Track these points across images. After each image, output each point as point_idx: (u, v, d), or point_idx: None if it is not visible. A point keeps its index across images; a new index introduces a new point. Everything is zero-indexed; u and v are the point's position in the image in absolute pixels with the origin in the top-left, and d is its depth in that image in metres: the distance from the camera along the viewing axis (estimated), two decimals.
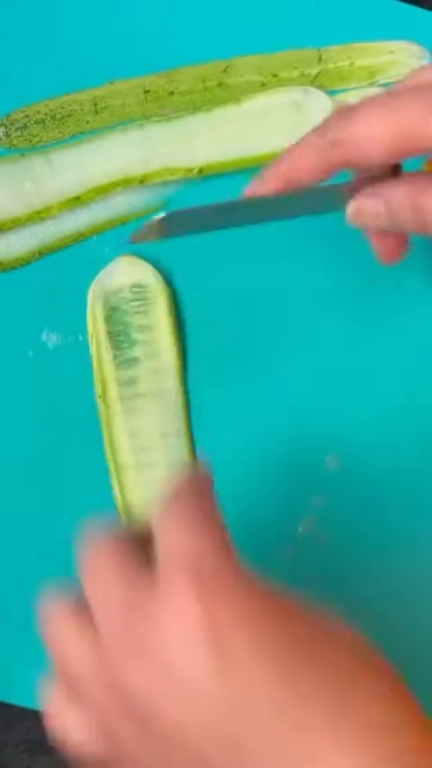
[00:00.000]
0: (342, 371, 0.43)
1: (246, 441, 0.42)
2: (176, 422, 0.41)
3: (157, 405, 0.41)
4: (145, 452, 0.41)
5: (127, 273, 0.42)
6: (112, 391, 0.41)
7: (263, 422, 0.42)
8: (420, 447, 0.42)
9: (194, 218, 0.35)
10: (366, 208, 0.35)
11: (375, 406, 0.42)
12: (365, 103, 0.33)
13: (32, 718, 0.40)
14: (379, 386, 0.43)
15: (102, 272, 0.42)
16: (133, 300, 0.42)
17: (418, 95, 0.32)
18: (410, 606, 0.41)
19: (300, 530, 0.41)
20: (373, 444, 0.42)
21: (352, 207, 0.35)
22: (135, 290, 0.42)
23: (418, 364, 0.43)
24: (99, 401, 0.41)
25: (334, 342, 0.43)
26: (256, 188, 0.35)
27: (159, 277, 0.42)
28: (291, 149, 0.35)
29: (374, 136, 0.32)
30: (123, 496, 0.41)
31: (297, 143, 0.34)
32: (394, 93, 0.33)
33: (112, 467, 0.42)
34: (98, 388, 0.42)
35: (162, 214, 0.34)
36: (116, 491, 0.42)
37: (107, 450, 0.42)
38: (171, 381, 0.42)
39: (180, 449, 0.41)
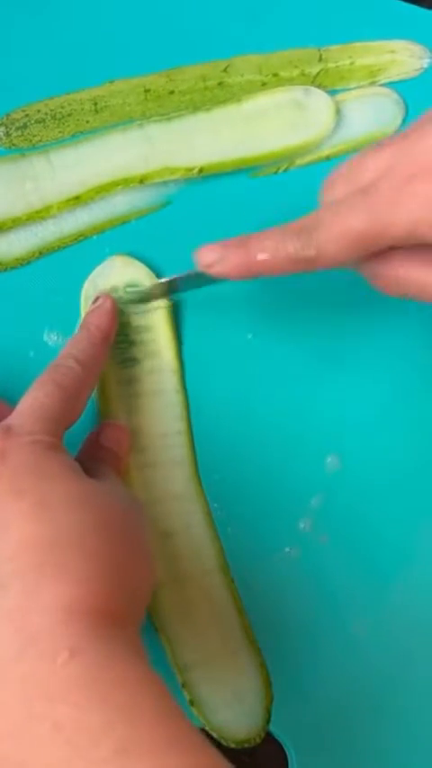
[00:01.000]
0: (342, 371, 0.43)
1: (246, 440, 0.42)
2: (176, 421, 0.41)
3: (157, 404, 0.41)
4: (145, 452, 0.41)
5: (121, 273, 0.42)
6: (112, 391, 0.41)
7: (263, 422, 0.42)
8: (420, 447, 0.42)
9: (179, 284, 0.40)
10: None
11: (375, 406, 0.42)
12: (331, 221, 0.33)
13: None
14: (379, 386, 0.43)
15: (94, 272, 0.42)
16: (129, 300, 0.42)
17: (363, 200, 0.33)
18: (411, 605, 0.41)
19: (300, 529, 0.41)
20: (373, 444, 0.42)
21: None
22: (129, 289, 0.42)
23: (418, 365, 0.43)
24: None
25: (334, 341, 0.43)
26: (213, 262, 0.36)
27: (154, 277, 0.42)
28: (259, 245, 0.35)
29: (344, 255, 0.34)
30: None
31: (270, 243, 0.34)
32: (349, 204, 0.33)
33: None
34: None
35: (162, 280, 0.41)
36: None
37: None
38: (171, 381, 0.41)
39: (180, 449, 0.41)
